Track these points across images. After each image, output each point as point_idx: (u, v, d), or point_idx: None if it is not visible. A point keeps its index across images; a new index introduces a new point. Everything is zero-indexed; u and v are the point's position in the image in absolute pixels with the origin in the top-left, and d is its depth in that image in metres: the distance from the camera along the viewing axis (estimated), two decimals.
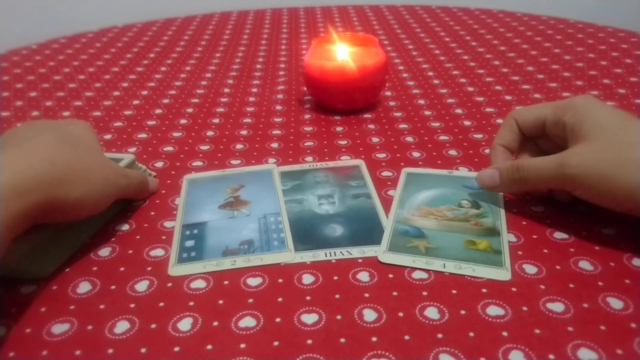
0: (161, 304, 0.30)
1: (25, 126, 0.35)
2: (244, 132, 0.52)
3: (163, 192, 0.42)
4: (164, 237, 0.36)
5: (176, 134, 0.52)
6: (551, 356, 0.26)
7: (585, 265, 0.32)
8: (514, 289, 0.30)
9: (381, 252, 0.34)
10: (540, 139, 0.39)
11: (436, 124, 0.52)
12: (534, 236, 0.35)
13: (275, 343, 0.27)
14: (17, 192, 0.27)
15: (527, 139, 0.40)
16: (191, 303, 0.30)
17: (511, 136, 0.39)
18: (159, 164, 0.46)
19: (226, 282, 0.32)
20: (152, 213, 0.39)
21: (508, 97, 0.58)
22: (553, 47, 0.75)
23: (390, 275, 0.32)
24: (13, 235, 0.27)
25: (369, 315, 0.29)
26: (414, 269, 0.32)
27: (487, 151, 0.46)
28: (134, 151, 0.48)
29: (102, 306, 0.30)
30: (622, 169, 0.31)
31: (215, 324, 0.29)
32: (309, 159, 0.46)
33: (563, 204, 0.38)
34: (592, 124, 0.33)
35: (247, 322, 0.29)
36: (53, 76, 0.69)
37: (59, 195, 0.30)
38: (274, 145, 0.49)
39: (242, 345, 0.27)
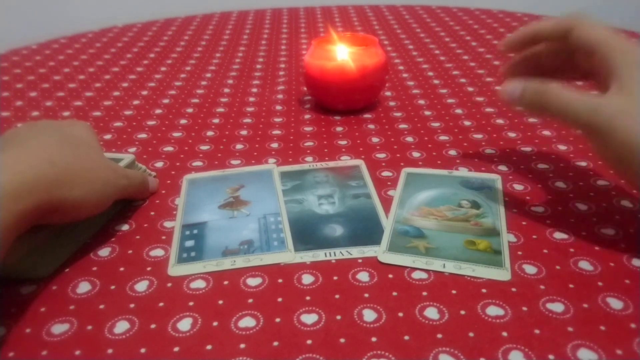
0: (161, 304, 0.30)
1: (25, 126, 0.35)
2: (244, 132, 0.52)
3: (163, 192, 0.42)
4: (163, 237, 0.36)
5: (176, 134, 0.52)
6: (551, 356, 0.26)
7: (585, 265, 0.32)
8: (513, 289, 0.30)
9: (381, 252, 0.34)
10: (563, 52, 0.37)
11: (436, 124, 0.52)
12: (534, 236, 0.35)
13: (275, 343, 0.27)
14: (18, 193, 0.27)
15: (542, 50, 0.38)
16: (191, 303, 0.30)
17: (553, 36, 0.36)
18: (159, 164, 0.46)
19: (226, 282, 0.32)
20: (152, 213, 0.39)
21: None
22: None
23: (390, 276, 0.32)
24: (13, 236, 0.27)
25: (369, 315, 0.29)
26: (414, 269, 0.32)
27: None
28: (134, 151, 0.48)
29: (102, 306, 0.30)
30: None
31: (215, 324, 0.29)
32: (309, 159, 0.46)
33: (562, 202, 0.38)
34: (624, 64, 0.31)
35: (247, 322, 0.29)
36: (53, 76, 0.69)
37: (59, 196, 0.30)
38: (274, 145, 0.49)
39: (242, 345, 0.27)
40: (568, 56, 0.37)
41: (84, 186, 0.32)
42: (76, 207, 0.32)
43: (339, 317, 0.29)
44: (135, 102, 0.60)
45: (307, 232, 0.36)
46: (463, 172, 0.43)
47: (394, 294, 0.30)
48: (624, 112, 0.30)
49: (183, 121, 0.55)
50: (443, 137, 0.50)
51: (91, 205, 0.33)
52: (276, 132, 0.52)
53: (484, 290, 0.30)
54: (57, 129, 0.35)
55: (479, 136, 0.50)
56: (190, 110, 0.58)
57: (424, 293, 0.30)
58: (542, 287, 0.30)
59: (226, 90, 0.64)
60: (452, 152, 0.47)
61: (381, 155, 0.47)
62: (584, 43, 0.34)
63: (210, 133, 0.52)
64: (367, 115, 0.55)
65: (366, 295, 0.30)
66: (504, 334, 0.27)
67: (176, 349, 0.27)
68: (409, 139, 0.50)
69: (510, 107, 0.36)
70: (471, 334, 0.27)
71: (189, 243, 0.35)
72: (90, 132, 0.38)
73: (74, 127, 0.37)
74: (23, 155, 0.30)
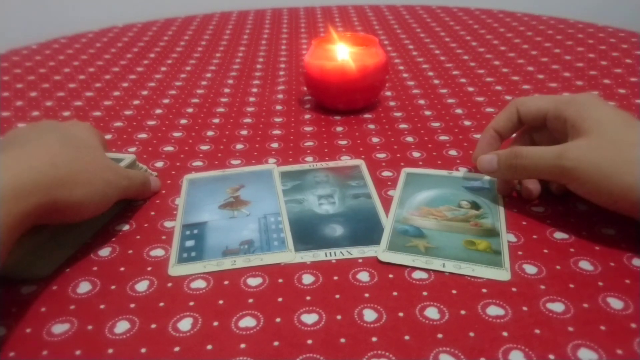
0: (161, 304, 0.30)
1: (27, 127, 0.35)
2: (244, 132, 0.52)
3: (163, 192, 0.42)
4: (164, 237, 0.36)
5: (176, 134, 0.52)
6: (551, 356, 0.26)
7: (585, 265, 0.32)
8: (514, 289, 0.30)
9: (380, 250, 0.34)
10: (537, 132, 0.40)
11: (436, 124, 0.52)
12: (534, 236, 0.35)
13: (275, 343, 0.27)
14: (18, 194, 0.27)
15: (523, 132, 0.40)
16: (191, 303, 0.30)
17: (508, 124, 0.40)
18: (159, 164, 0.46)
19: (226, 282, 0.32)
20: (152, 213, 0.39)
21: (508, 97, 0.58)
22: (553, 47, 0.75)
23: (391, 275, 0.32)
24: (14, 237, 0.27)
25: (369, 315, 0.29)
26: (414, 269, 0.32)
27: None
28: (134, 151, 0.48)
29: (102, 306, 0.30)
30: (620, 168, 0.31)
31: (215, 324, 0.29)
32: (309, 159, 0.46)
33: (562, 202, 0.38)
34: (594, 121, 0.33)
35: (247, 322, 0.29)
36: (53, 76, 0.69)
37: (60, 197, 0.30)
38: (274, 145, 0.49)
39: (242, 345, 0.27)
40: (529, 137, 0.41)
41: (85, 187, 0.32)
42: (77, 208, 0.32)
43: (339, 317, 0.29)
44: (136, 102, 0.60)
45: (307, 232, 0.36)
46: (463, 172, 0.43)
47: (395, 293, 0.30)
48: (585, 154, 0.32)
49: (183, 121, 0.55)
50: (443, 137, 0.50)
51: (92, 206, 0.33)
52: (276, 132, 0.52)
53: (484, 290, 0.30)
54: (58, 129, 0.35)
55: (479, 136, 0.49)
56: (190, 110, 0.58)
57: (425, 293, 0.30)
58: (542, 287, 0.31)
59: (226, 90, 0.64)
60: (452, 152, 0.47)
61: (381, 155, 0.47)
62: (533, 114, 0.38)
63: (210, 133, 0.52)
64: (367, 115, 0.55)
65: (366, 295, 0.30)
66: (505, 333, 0.27)
67: (176, 348, 0.27)
68: (409, 139, 0.50)
69: (491, 176, 0.40)
70: (471, 334, 0.27)
71: (189, 243, 0.35)
72: (92, 132, 0.38)
73: (76, 128, 0.37)
74: (24, 156, 0.30)
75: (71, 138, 0.34)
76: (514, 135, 0.42)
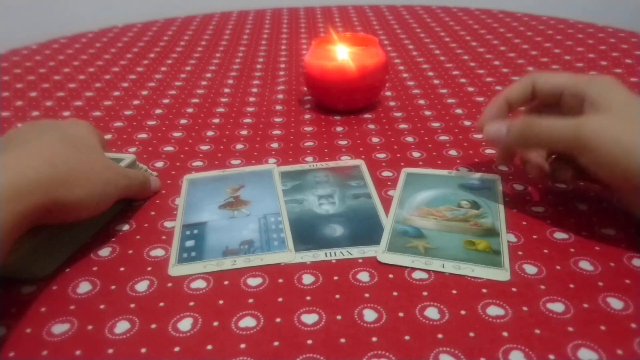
0: (161, 304, 0.30)
1: (26, 126, 0.35)
2: (244, 132, 0.52)
3: (163, 192, 0.42)
4: (164, 237, 0.36)
5: (176, 134, 0.52)
6: (551, 356, 0.26)
7: (585, 265, 0.32)
8: (514, 289, 0.30)
9: (380, 252, 0.34)
10: (547, 109, 0.38)
11: (436, 124, 0.52)
12: (534, 236, 0.35)
13: (276, 343, 0.27)
14: (18, 194, 0.27)
15: (532, 109, 0.40)
16: (191, 303, 0.30)
17: (521, 95, 0.38)
18: (159, 164, 0.46)
19: (226, 282, 0.32)
20: (152, 213, 0.39)
21: (479, 135, 0.58)
22: (553, 47, 0.75)
23: (391, 276, 0.32)
24: (14, 237, 0.27)
25: (369, 315, 0.29)
26: (414, 269, 0.32)
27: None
28: (134, 151, 0.48)
29: (102, 306, 0.30)
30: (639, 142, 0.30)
31: (216, 324, 0.29)
32: (309, 159, 0.46)
33: (562, 202, 0.38)
34: (615, 101, 0.33)
35: (247, 322, 0.29)
36: (53, 76, 0.69)
37: (59, 197, 0.30)
38: (274, 145, 0.49)
39: (242, 345, 0.27)
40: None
41: (84, 187, 0.32)
42: (77, 207, 0.32)
43: (339, 317, 0.29)
44: (136, 102, 0.60)
45: (307, 232, 0.36)
46: (463, 172, 0.43)
47: (395, 294, 0.30)
48: (605, 127, 0.31)
49: (183, 121, 0.55)
50: (443, 137, 0.50)
51: (92, 206, 0.33)
52: (276, 132, 0.52)
53: (484, 290, 0.30)
54: (58, 129, 0.35)
55: (479, 136, 0.50)
56: (190, 110, 0.58)
57: (425, 293, 0.30)
58: (542, 287, 0.31)
59: (226, 90, 0.64)
60: (452, 152, 0.47)
61: (381, 155, 0.47)
62: (549, 88, 0.37)
63: (210, 133, 0.52)
64: (367, 115, 0.55)
65: (366, 295, 0.30)
66: (505, 334, 0.27)
67: (176, 349, 0.27)
68: (409, 139, 0.50)
69: (495, 146, 0.38)
70: (471, 334, 0.27)
71: (189, 243, 0.35)
72: (91, 131, 0.38)
73: (76, 127, 0.37)
74: (24, 155, 0.30)
75: (70, 137, 0.34)
76: (522, 109, 0.41)
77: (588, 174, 0.34)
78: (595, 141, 0.31)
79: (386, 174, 0.44)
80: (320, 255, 0.34)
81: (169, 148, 0.49)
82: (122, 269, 0.33)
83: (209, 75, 0.69)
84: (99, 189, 0.33)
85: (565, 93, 0.36)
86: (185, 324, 0.29)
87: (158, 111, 0.57)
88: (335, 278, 0.32)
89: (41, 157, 0.30)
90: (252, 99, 0.61)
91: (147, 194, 0.41)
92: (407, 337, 0.27)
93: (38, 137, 0.33)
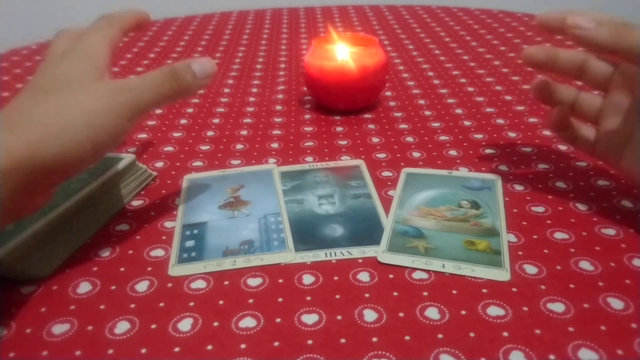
0: (161, 304, 0.30)
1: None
2: (244, 132, 0.52)
3: (163, 192, 0.42)
4: (164, 237, 0.36)
5: (176, 134, 0.52)
6: (552, 356, 0.26)
7: (585, 265, 0.32)
8: (514, 289, 0.30)
9: (380, 252, 0.34)
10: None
11: (436, 124, 0.52)
12: (534, 236, 0.35)
13: (276, 343, 0.27)
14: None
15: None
16: (191, 303, 0.30)
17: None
18: (159, 164, 0.46)
19: (226, 283, 0.32)
20: (152, 213, 0.39)
21: (508, 97, 0.58)
22: None
23: (391, 276, 0.32)
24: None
25: (370, 315, 0.29)
26: (414, 269, 0.32)
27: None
28: (134, 151, 0.48)
29: (102, 306, 0.30)
30: None
31: (216, 324, 0.29)
32: (309, 159, 0.46)
33: (562, 202, 0.38)
34: None
35: (248, 322, 0.29)
36: None
37: (37, 163, 0.26)
38: (274, 145, 0.49)
39: (243, 346, 0.27)
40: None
41: (61, 143, 0.27)
42: (65, 166, 0.28)
43: (339, 317, 0.29)
44: None
45: (307, 232, 0.36)
46: (463, 172, 0.43)
47: (395, 294, 0.30)
48: None
49: (183, 121, 0.55)
50: (443, 137, 0.50)
51: (87, 156, 0.28)
52: (276, 132, 0.52)
53: (484, 291, 0.30)
54: (47, 72, 0.30)
55: (479, 136, 0.50)
56: (190, 110, 0.58)
57: (425, 293, 0.30)
58: (542, 287, 0.30)
59: (226, 90, 0.64)
60: (452, 152, 0.47)
61: (381, 155, 0.47)
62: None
63: (210, 133, 0.52)
64: (367, 115, 0.55)
65: (367, 295, 0.30)
66: (505, 334, 0.27)
67: (177, 349, 0.27)
68: (409, 139, 0.50)
69: (577, 40, 0.33)
70: (472, 334, 0.27)
71: (189, 243, 0.35)
72: (95, 57, 0.31)
73: (73, 58, 0.31)
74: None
75: (50, 80, 0.29)
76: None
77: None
78: None
79: (386, 174, 0.44)
80: (321, 255, 0.34)
81: (169, 148, 0.49)
82: (122, 269, 0.33)
83: None
84: (78, 127, 0.28)
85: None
86: (185, 324, 0.29)
87: (158, 111, 0.57)
88: (336, 278, 0.32)
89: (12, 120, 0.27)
90: (252, 99, 0.61)
91: (187, 88, 0.32)
92: (407, 337, 0.27)
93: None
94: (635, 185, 0.37)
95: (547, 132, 0.49)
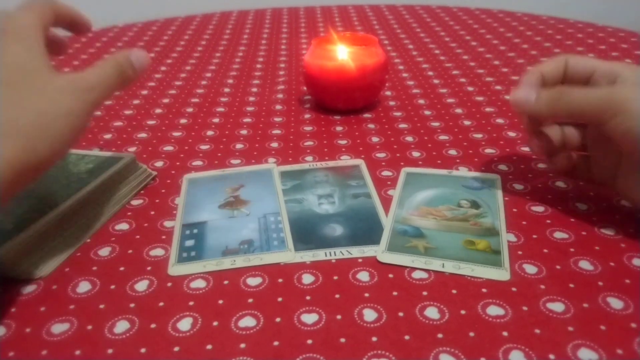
0: (161, 304, 0.30)
1: None
2: (244, 132, 0.52)
3: (163, 191, 0.42)
4: (163, 237, 0.36)
5: (176, 134, 0.52)
6: (551, 356, 0.26)
7: (585, 265, 0.32)
8: (514, 289, 0.30)
9: (380, 251, 0.34)
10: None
11: (436, 124, 0.52)
12: (534, 236, 0.35)
13: (275, 343, 0.27)
14: None
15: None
16: (191, 303, 0.30)
17: (554, 72, 0.38)
18: (159, 164, 0.46)
19: (226, 282, 0.32)
20: (152, 212, 0.39)
21: (508, 97, 0.58)
22: (553, 47, 0.75)
23: (390, 275, 0.32)
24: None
25: (369, 315, 0.29)
26: (414, 268, 0.32)
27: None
28: (134, 151, 0.48)
29: (102, 306, 0.30)
30: None
31: (215, 323, 0.29)
32: (309, 158, 0.46)
33: (562, 202, 0.38)
34: (624, 69, 0.34)
35: (247, 322, 0.29)
36: None
37: (25, 163, 0.27)
38: (274, 144, 0.49)
39: (242, 345, 0.27)
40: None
41: (45, 139, 0.28)
42: (50, 159, 0.28)
43: (339, 317, 0.29)
44: (135, 102, 0.60)
45: (307, 232, 0.36)
46: (463, 172, 0.43)
47: (394, 293, 0.30)
48: (635, 98, 0.31)
49: (183, 121, 0.55)
50: (443, 137, 0.50)
51: (66, 146, 0.29)
52: (276, 131, 0.52)
53: (484, 290, 0.30)
54: None
55: (479, 136, 0.50)
56: (190, 109, 0.58)
57: (424, 293, 0.30)
58: (542, 286, 0.30)
59: (226, 89, 0.64)
60: (452, 152, 0.47)
61: (381, 155, 0.47)
62: (582, 68, 0.37)
63: (210, 133, 0.52)
64: (367, 115, 0.55)
65: (366, 295, 0.30)
66: (505, 333, 0.27)
67: (176, 348, 0.27)
68: (409, 138, 0.50)
69: (521, 112, 0.38)
70: (472, 334, 0.27)
71: (189, 243, 0.35)
72: (29, 40, 0.30)
73: (9, 46, 0.29)
74: None
75: (4, 74, 0.28)
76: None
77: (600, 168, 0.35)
78: (628, 104, 0.31)
79: (386, 173, 0.44)
80: (320, 255, 0.34)
81: (169, 148, 0.49)
82: (121, 268, 0.33)
83: (208, 75, 0.69)
84: (62, 129, 0.29)
85: (596, 73, 0.36)
86: (184, 324, 0.29)
87: (158, 111, 0.57)
88: (335, 278, 0.32)
89: None
90: (251, 98, 0.61)
91: (129, 81, 0.34)
92: (407, 337, 0.27)
93: None
94: (634, 205, 0.37)
95: None
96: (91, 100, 0.31)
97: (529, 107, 0.36)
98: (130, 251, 0.35)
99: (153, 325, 0.29)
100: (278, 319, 0.29)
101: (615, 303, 0.29)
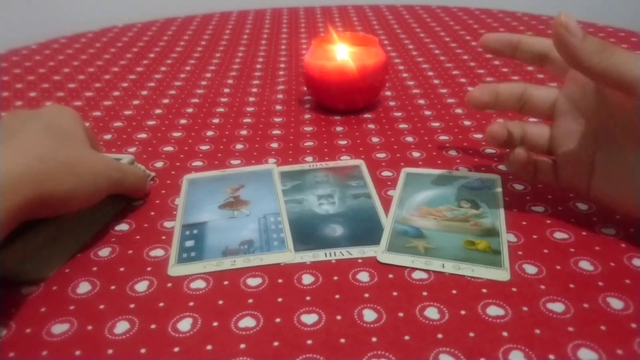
0: (161, 304, 0.30)
1: (8, 118, 0.34)
2: (244, 132, 0.52)
3: (163, 192, 0.42)
4: (163, 237, 0.36)
5: (176, 134, 0.52)
6: (551, 356, 0.26)
7: (585, 265, 0.32)
8: (514, 289, 0.30)
9: (380, 252, 0.34)
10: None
11: (436, 124, 0.52)
12: (534, 236, 0.35)
13: (275, 343, 0.27)
14: (7, 190, 0.27)
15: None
16: (191, 303, 0.30)
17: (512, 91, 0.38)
18: (159, 164, 0.46)
19: (226, 282, 0.32)
20: (152, 213, 0.39)
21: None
22: None
23: (390, 276, 0.32)
24: (5, 234, 0.27)
25: (369, 315, 0.29)
26: (414, 269, 0.32)
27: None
28: (134, 151, 0.48)
29: (102, 306, 0.30)
30: None
31: (215, 324, 0.29)
32: (309, 159, 0.46)
33: (562, 202, 0.38)
34: None
35: (247, 322, 0.29)
36: (53, 76, 0.69)
37: (48, 191, 0.29)
38: (274, 145, 0.49)
39: (242, 346, 0.27)
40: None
41: (72, 179, 0.31)
42: (66, 200, 0.31)
43: (339, 317, 0.29)
44: (135, 102, 0.60)
45: (307, 232, 0.36)
46: (463, 172, 0.43)
47: (394, 294, 0.30)
48: None
49: (183, 121, 0.55)
50: (443, 137, 0.50)
51: (81, 198, 0.32)
52: (276, 132, 0.52)
53: (484, 290, 0.30)
54: (42, 120, 0.34)
55: (479, 136, 0.50)
56: (190, 110, 0.58)
57: (424, 293, 0.30)
58: (542, 287, 0.30)
59: (226, 90, 0.64)
60: (452, 152, 0.47)
61: (381, 155, 0.47)
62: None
63: (210, 133, 0.52)
64: (367, 115, 0.55)
65: (366, 295, 0.30)
66: (505, 334, 0.27)
67: (176, 349, 0.27)
68: (409, 138, 0.50)
69: (561, 46, 0.31)
70: (471, 334, 0.27)
71: (189, 243, 0.35)
72: (76, 120, 0.37)
73: (60, 116, 0.36)
74: (9, 150, 0.29)
75: (55, 128, 0.33)
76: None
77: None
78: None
79: (386, 173, 0.44)
80: (320, 255, 0.34)
81: (169, 148, 0.49)
82: (121, 269, 0.33)
83: (208, 75, 0.69)
84: (88, 181, 0.32)
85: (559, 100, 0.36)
86: (184, 324, 0.29)
87: (158, 111, 0.57)
88: (335, 278, 0.32)
89: (28, 152, 0.30)
90: (251, 99, 0.61)
91: (142, 191, 0.40)
92: (407, 337, 0.27)
93: (22, 130, 0.32)
94: (613, 210, 0.36)
95: None
96: (117, 177, 0.36)
97: (574, 43, 0.29)
98: (130, 252, 0.35)
99: (153, 326, 0.29)
100: (278, 320, 0.29)
101: (616, 303, 0.29)
